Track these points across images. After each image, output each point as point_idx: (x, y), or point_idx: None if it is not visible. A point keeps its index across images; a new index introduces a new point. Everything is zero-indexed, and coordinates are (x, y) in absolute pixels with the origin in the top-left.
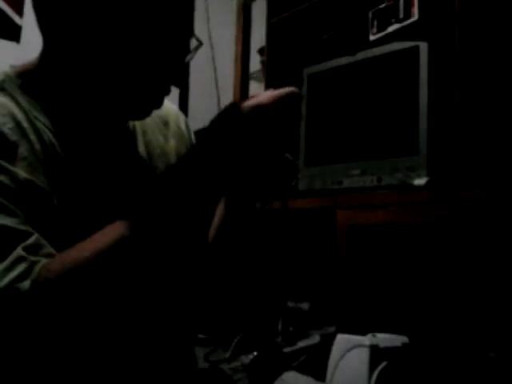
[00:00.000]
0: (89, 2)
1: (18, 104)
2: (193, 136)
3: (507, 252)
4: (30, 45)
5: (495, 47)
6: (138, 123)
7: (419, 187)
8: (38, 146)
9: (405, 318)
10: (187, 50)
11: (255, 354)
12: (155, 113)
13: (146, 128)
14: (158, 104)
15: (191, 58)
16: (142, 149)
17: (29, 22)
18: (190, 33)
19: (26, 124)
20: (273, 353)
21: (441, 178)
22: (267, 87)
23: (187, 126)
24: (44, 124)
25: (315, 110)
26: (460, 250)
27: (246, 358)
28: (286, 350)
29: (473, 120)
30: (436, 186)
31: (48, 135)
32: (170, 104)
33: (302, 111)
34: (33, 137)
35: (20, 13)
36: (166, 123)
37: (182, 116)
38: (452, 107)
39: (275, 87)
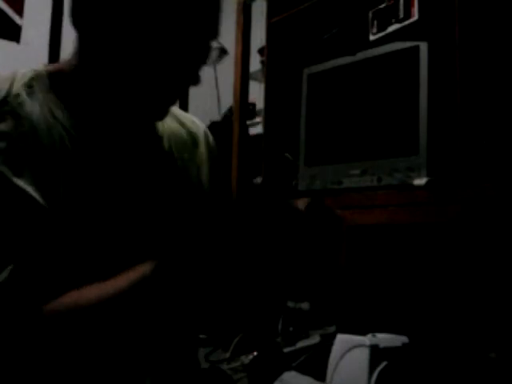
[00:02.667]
0: (119, 9)
1: (40, 104)
2: (216, 157)
3: (507, 252)
4: (30, 45)
5: (495, 47)
6: (166, 137)
7: (419, 187)
8: (48, 149)
9: (405, 318)
10: (205, 52)
11: (255, 353)
12: (186, 128)
13: (173, 142)
14: (181, 95)
15: (215, 64)
16: (163, 160)
17: (29, 22)
18: (210, 35)
19: (42, 126)
20: (273, 353)
21: (441, 177)
22: (267, 87)
23: (214, 147)
24: (64, 127)
25: (315, 110)
26: (460, 249)
27: (246, 358)
28: (286, 350)
29: (473, 120)
30: (436, 186)
31: (65, 139)
32: (200, 122)
33: (303, 113)
34: (46, 141)
35: (20, 13)
36: (194, 142)
37: (210, 137)
38: (452, 107)
39: (275, 87)
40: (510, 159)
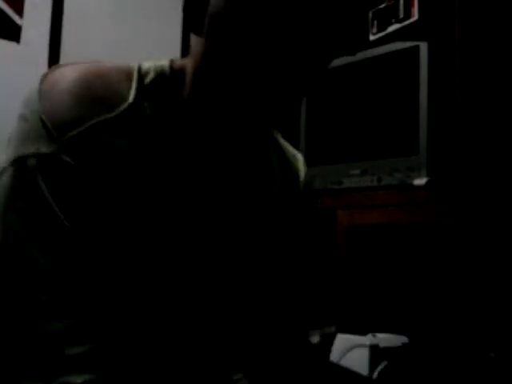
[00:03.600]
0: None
1: (162, 115)
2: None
3: (507, 252)
4: (30, 45)
5: (495, 47)
6: (275, 153)
7: (419, 187)
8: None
9: (405, 317)
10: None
11: None
12: (294, 157)
13: (275, 165)
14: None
15: None
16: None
17: (29, 22)
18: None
19: (162, 145)
20: None
21: (441, 177)
22: None
23: (309, 183)
24: (187, 149)
25: (315, 109)
26: (460, 249)
27: None
28: None
29: (473, 120)
30: (436, 186)
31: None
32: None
33: (303, 113)
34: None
35: (20, 13)
36: (297, 173)
37: (307, 181)
38: (452, 107)
39: None
40: (510, 159)
